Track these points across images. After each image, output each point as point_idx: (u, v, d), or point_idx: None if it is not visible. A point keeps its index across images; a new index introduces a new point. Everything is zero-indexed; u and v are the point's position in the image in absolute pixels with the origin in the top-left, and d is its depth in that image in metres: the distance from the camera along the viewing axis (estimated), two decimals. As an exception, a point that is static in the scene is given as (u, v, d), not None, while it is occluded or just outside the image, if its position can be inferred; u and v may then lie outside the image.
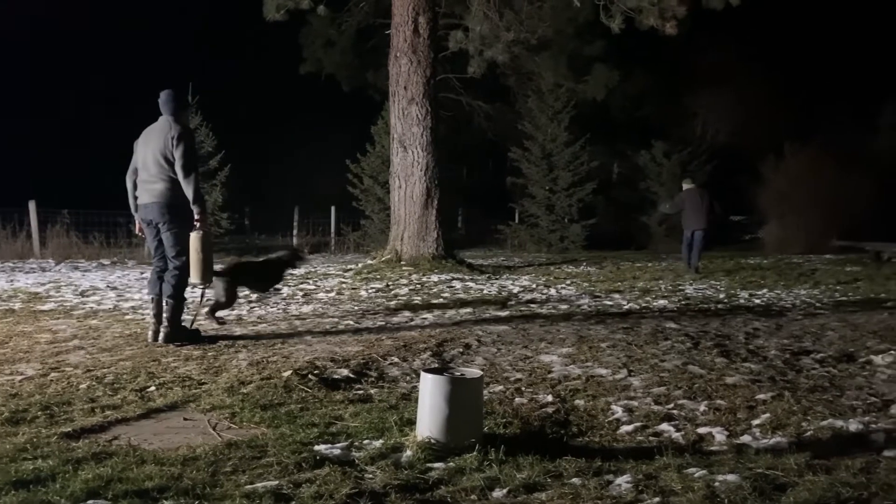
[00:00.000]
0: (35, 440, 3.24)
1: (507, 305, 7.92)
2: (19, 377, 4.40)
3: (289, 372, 4.53)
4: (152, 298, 5.58)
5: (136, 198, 5.58)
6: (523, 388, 4.37)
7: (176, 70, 20.27)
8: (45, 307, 7.38)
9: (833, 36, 25.29)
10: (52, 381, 4.33)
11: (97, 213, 14.81)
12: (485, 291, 9.11)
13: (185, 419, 3.69)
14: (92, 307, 7.43)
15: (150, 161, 5.42)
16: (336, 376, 4.55)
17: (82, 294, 8.44)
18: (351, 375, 4.59)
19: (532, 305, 7.96)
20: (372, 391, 4.28)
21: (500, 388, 4.38)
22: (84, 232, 14.43)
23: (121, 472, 2.86)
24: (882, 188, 19.83)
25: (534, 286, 9.85)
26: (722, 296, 9.06)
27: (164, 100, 5.50)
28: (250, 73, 24.26)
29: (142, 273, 10.94)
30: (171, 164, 5.35)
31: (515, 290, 9.29)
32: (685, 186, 12.74)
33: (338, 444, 3.25)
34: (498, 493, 2.75)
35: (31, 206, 14.37)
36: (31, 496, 2.61)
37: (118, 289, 9.00)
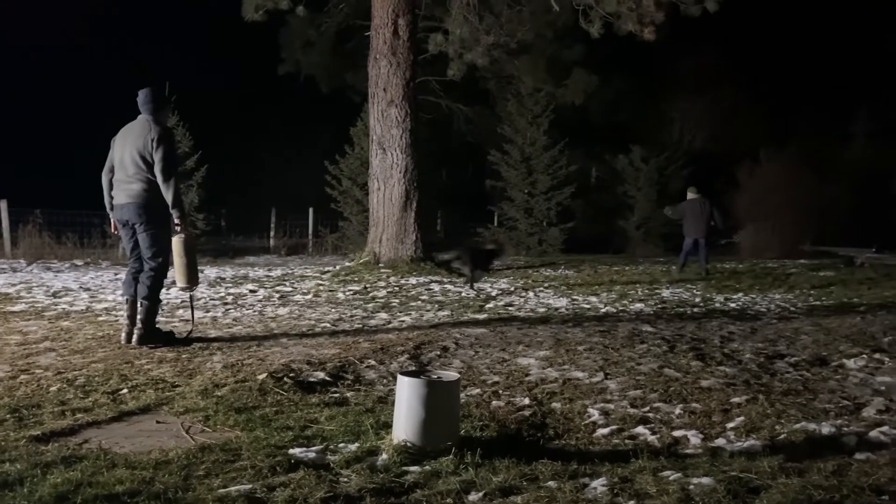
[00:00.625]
0: (3, 444, 3.18)
1: (485, 308, 7.92)
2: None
3: (264, 375, 4.48)
4: (126, 300, 5.49)
5: (111, 197, 5.49)
6: (500, 391, 4.37)
7: (151, 67, 20.08)
8: (16, 308, 7.24)
9: (808, 44, 25.68)
10: (21, 383, 4.25)
11: (71, 213, 14.59)
12: (463, 294, 9.11)
13: (157, 422, 3.64)
14: (64, 308, 7.31)
15: (128, 161, 5.33)
16: (312, 379, 4.51)
17: (54, 295, 8.31)
18: (327, 378, 4.56)
19: (510, 308, 7.97)
20: (348, 394, 4.26)
21: (478, 391, 4.38)
22: (57, 232, 14.17)
23: (91, 476, 2.81)
24: (855, 194, 20.19)
25: (512, 289, 9.88)
26: (698, 300, 9.15)
27: (143, 99, 5.41)
28: (227, 73, 24.08)
29: (116, 274, 10.79)
30: (149, 165, 5.27)
31: (493, 293, 9.30)
32: (689, 196, 13.09)
33: (313, 448, 3.22)
34: (474, 497, 2.74)
35: (2, 205, 14.12)
36: (0, 500, 2.56)
37: (91, 290, 8.87)
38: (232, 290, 9.02)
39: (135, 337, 5.35)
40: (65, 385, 4.21)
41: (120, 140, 5.46)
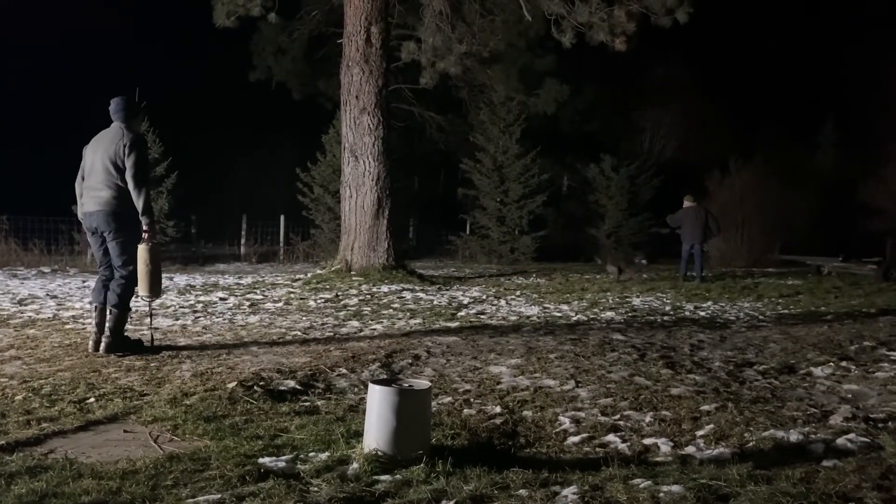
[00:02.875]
0: (-37, 455, 3.09)
1: (457, 317, 7.93)
2: (-53, 389, 4.21)
3: (234, 383, 4.44)
4: (95, 307, 5.40)
5: (82, 205, 5.41)
6: (472, 400, 4.37)
7: (121, 72, 19.78)
8: (-23, 316, 7.07)
9: (775, 54, 26.27)
10: (-18, 393, 4.15)
11: (38, 218, 14.31)
12: (435, 302, 9.11)
13: (125, 431, 3.58)
14: (30, 316, 7.16)
15: (99, 167, 5.26)
16: (282, 388, 4.47)
17: (20, 303, 8.13)
18: (297, 387, 4.52)
19: (482, 317, 7.99)
20: (319, 403, 4.23)
21: (449, 399, 4.37)
22: (23, 238, 13.90)
23: (56, 486, 2.76)
24: (822, 204, 20.63)
25: (484, 297, 9.90)
26: (668, 308, 9.26)
27: (116, 107, 5.37)
28: (198, 79, 23.83)
29: (84, 281, 10.60)
30: (120, 171, 5.21)
31: (465, 301, 9.32)
32: (686, 203, 13.63)
33: (283, 457, 3.19)
34: (445, 506, 2.74)
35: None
36: (-43, 514, 2.50)
37: (58, 297, 8.70)
38: (202, 298, 8.91)
39: (103, 345, 5.27)
40: (30, 394, 4.12)
41: (92, 147, 5.38)
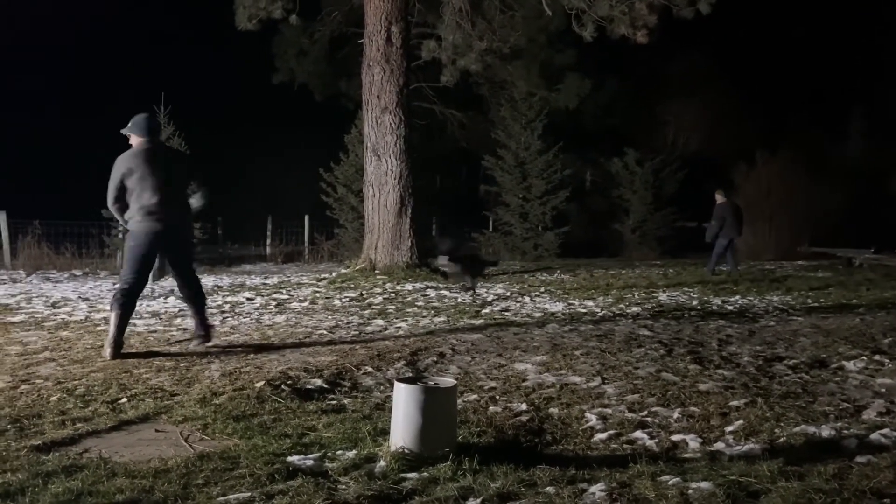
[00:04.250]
0: (4, 454, 3.17)
1: (482, 314, 7.93)
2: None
3: (262, 382, 4.49)
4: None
5: (148, 216, 5.41)
6: (497, 397, 4.37)
7: (145, 77, 20.08)
8: (16, 319, 7.22)
9: (801, 43, 25.82)
10: (22, 393, 4.25)
11: (69, 223, 14.58)
12: (459, 300, 9.11)
13: (156, 431, 3.64)
14: (63, 318, 7.29)
15: (171, 184, 5.44)
16: (309, 386, 4.52)
17: (53, 305, 8.29)
18: (324, 385, 4.56)
19: (506, 314, 7.98)
20: (345, 401, 4.26)
21: (475, 396, 4.38)
22: (55, 243, 14.18)
23: (91, 485, 2.81)
24: (852, 194, 20.25)
25: (508, 294, 9.88)
26: (695, 303, 9.17)
27: (148, 125, 5.51)
28: (220, 81, 24.09)
29: (114, 284, 10.76)
30: (184, 187, 5.63)
31: (490, 299, 9.31)
32: (720, 198, 13.62)
33: (311, 455, 3.22)
34: (472, 503, 2.75)
35: (2, 216, 14.11)
36: (-4, 512, 2.56)
37: (90, 300, 8.85)
38: (229, 299, 9.01)
39: (198, 341, 5.73)
40: (65, 395, 4.21)
41: (150, 164, 5.37)
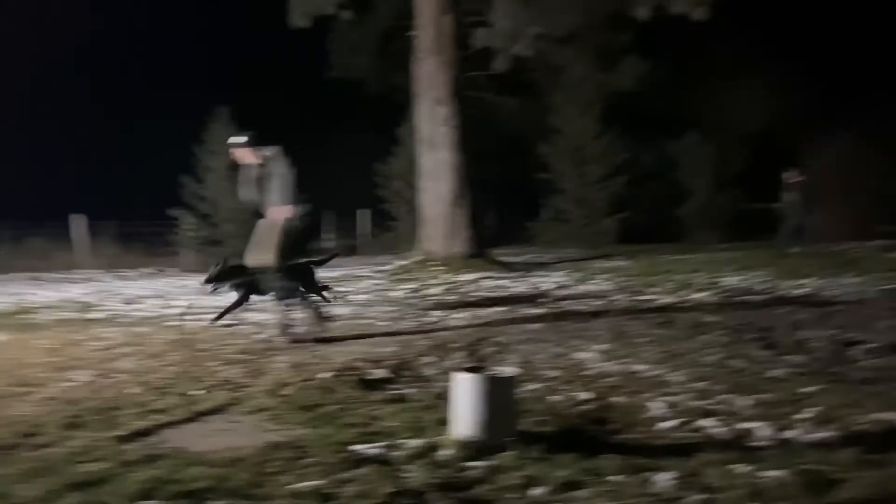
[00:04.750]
0: (90, 444, 3.33)
1: (540, 303, 7.90)
2: (73, 383, 4.53)
3: (327, 373, 4.59)
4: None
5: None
6: (559, 386, 4.36)
7: (209, 81, 20.64)
8: (95, 316, 7.55)
9: (869, 15, 24.63)
10: (103, 386, 4.44)
11: (139, 224, 15.20)
12: (517, 289, 9.09)
13: (229, 421, 3.76)
14: (139, 315, 7.59)
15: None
16: (372, 377, 4.60)
17: (129, 302, 8.63)
18: (387, 376, 4.64)
19: (565, 302, 7.93)
20: (408, 391, 4.32)
21: (536, 385, 4.38)
22: (127, 242, 14.85)
23: (170, 473, 2.93)
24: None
25: (567, 282, 9.80)
26: (763, 286, 8.91)
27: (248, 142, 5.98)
28: (273, 79, 24.53)
29: (184, 280, 11.13)
30: None
31: (548, 287, 9.26)
32: (791, 178, 13.78)
33: (376, 444, 3.29)
34: (537, 491, 2.76)
35: (78, 218, 14.82)
36: (89, 497, 2.70)
37: (163, 296, 9.17)
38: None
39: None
40: (142, 387, 4.38)
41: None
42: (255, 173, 6.01)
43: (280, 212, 5.80)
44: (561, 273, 11.16)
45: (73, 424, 3.64)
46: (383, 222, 19.04)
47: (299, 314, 6.00)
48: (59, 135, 21.18)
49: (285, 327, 5.95)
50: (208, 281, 6.36)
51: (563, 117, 19.86)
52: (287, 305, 5.97)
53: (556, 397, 4.13)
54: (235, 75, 22.42)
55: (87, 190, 17.38)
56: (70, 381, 4.61)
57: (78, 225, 14.93)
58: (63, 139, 21.21)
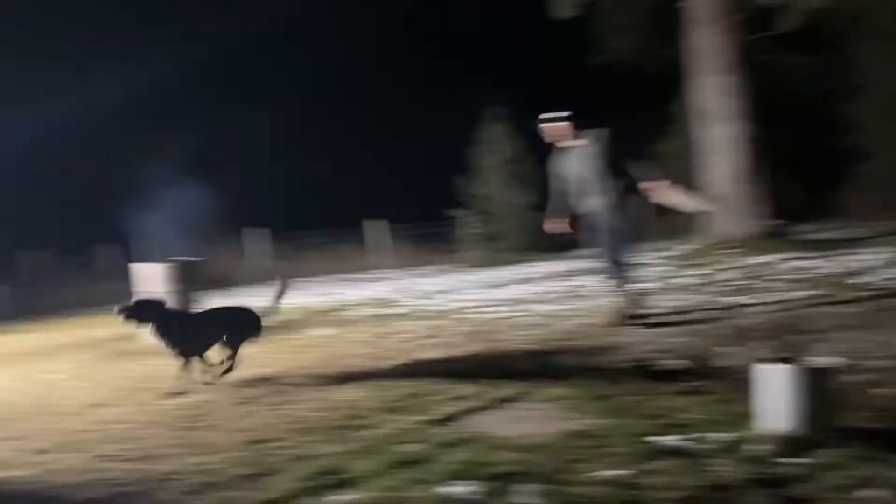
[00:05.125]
0: (406, 427, 3.73)
1: (853, 285, 6.99)
2: (385, 372, 5.11)
3: (624, 364, 4.60)
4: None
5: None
6: (884, 379, 3.85)
7: (467, 83, 21.67)
8: (397, 311, 8.43)
9: None
10: (412, 374, 4.92)
11: (419, 225, 16.62)
12: (824, 271, 8.16)
13: (528, 409, 3.95)
14: (436, 308, 8.28)
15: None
16: (667, 368, 4.50)
17: (426, 297, 9.47)
18: (682, 367, 4.50)
19: (884, 282, 6.92)
20: (705, 382, 4.14)
21: (855, 377, 3.91)
22: (416, 242, 16.39)
23: (479, 456, 3.17)
24: None
25: (884, 262, 8.53)
26: None
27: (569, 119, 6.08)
28: (537, 67, 24.83)
29: (473, 276, 11.89)
30: None
31: (861, 268, 8.14)
32: None
33: (675, 436, 3.21)
34: (867, 493, 2.49)
35: (376, 223, 16.66)
36: (415, 474, 3.03)
37: (457, 291, 9.89)
38: (575, 282, 9.31)
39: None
40: (446, 376, 4.77)
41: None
42: (579, 153, 5.96)
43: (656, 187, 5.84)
44: (874, 250, 9.74)
45: (392, 409, 4.09)
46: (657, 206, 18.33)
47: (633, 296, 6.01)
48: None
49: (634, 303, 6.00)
50: None
51: (874, 69, 17.28)
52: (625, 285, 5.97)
53: (882, 390, 3.66)
54: (493, 76, 23.12)
55: (365, 195, 19.39)
56: (381, 369, 5.18)
57: (375, 228, 16.90)
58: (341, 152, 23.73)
